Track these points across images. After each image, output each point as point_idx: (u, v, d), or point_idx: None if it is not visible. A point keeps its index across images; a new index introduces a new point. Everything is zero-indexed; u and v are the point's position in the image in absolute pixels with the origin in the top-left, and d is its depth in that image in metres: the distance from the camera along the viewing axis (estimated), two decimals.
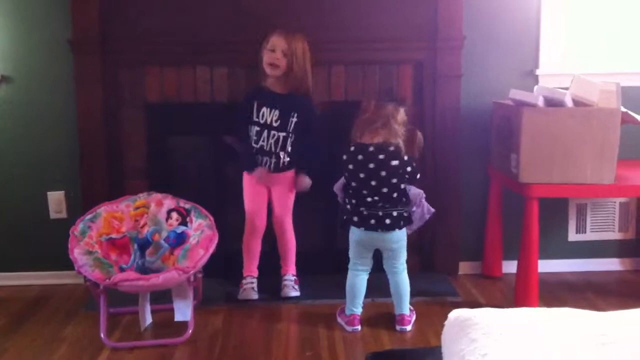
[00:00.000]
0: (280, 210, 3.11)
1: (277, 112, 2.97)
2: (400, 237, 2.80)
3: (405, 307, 2.85)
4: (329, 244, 3.51)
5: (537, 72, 3.34)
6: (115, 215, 2.85)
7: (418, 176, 2.79)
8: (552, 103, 2.87)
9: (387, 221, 2.73)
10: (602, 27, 3.39)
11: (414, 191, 2.83)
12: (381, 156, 2.69)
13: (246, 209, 3.12)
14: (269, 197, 3.11)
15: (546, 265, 3.29)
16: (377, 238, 2.77)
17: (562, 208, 3.46)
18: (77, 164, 3.27)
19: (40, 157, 3.31)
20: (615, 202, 3.48)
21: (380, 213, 2.73)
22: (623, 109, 2.86)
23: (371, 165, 2.69)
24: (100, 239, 2.76)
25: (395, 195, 2.73)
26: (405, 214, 2.77)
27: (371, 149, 2.70)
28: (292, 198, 3.13)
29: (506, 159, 3.00)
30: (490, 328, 1.47)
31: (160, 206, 2.90)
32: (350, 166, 2.72)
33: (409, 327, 2.82)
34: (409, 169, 2.73)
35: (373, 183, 2.70)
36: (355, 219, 2.75)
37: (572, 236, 3.49)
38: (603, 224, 3.49)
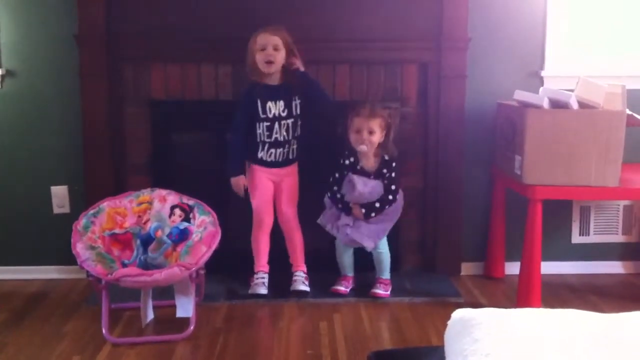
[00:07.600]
0: (287, 205, 3.13)
1: (282, 103, 3.02)
2: None
3: None
4: (330, 243, 3.50)
5: (543, 73, 3.33)
6: (118, 211, 2.85)
7: None
8: (557, 105, 2.86)
9: None
10: (608, 29, 3.38)
11: None
12: None
13: (253, 204, 3.13)
14: (275, 192, 3.13)
15: (549, 267, 3.29)
16: None
17: (565, 210, 3.45)
18: (80, 159, 3.28)
19: (44, 152, 3.32)
20: (619, 205, 3.47)
21: None
22: (628, 112, 2.86)
23: None
24: (103, 234, 2.76)
25: None
26: None
27: None
28: (297, 192, 3.16)
29: (510, 160, 2.99)
30: (493, 328, 1.47)
31: (163, 202, 2.90)
32: None
33: None
34: None
35: None
36: None
37: (576, 238, 3.48)
38: (606, 227, 3.48)
